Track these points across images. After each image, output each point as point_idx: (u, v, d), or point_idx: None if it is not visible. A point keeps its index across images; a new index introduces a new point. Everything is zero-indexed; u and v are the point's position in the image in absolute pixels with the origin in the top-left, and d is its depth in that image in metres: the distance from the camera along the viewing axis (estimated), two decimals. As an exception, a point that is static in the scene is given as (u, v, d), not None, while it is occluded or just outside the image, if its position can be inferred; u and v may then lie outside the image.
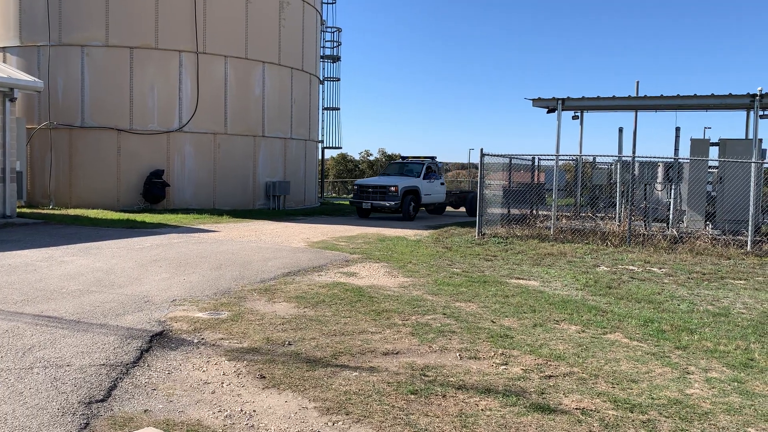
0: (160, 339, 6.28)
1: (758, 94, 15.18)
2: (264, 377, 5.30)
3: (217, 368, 5.50)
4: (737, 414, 4.89)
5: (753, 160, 14.43)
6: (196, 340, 6.28)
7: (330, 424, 4.45)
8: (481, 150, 16.42)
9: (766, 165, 15.27)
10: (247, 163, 24.06)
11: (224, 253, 11.85)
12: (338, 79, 35.94)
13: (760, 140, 15.51)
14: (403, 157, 23.47)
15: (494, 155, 17.16)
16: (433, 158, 23.08)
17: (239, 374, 5.37)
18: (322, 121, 33.12)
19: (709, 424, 4.66)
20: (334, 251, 12.82)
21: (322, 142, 32.99)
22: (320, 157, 33.35)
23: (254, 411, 4.62)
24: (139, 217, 18.74)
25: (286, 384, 5.15)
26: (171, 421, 4.36)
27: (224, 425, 4.36)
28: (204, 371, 5.42)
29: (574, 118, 19.77)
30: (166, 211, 20.90)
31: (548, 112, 19.10)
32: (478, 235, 15.57)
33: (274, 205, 24.43)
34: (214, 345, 6.15)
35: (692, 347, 6.63)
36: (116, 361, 5.55)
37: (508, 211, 17.90)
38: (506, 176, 18.72)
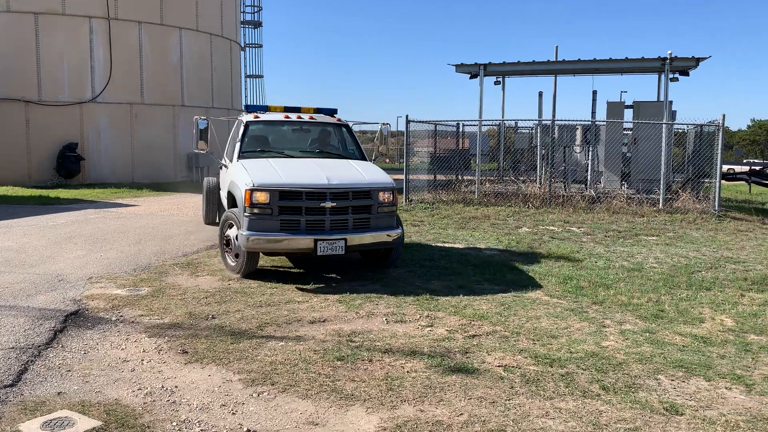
0: (75, 318, 6.02)
1: (668, 57, 15.78)
2: (186, 352, 5.17)
3: (136, 345, 5.33)
4: (648, 362, 5.15)
5: (664, 121, 15.06)
6: (114, 318, 6.06)
7: (255, 395, 4.39)
8: (407, 117, 16.45)
9: (676, 126, 15.98)
10: (167, 134, 23.22)
11: (144, 228, 11.46)
12: (260, 46, 35.06)
13: (671, 102, 16.19)
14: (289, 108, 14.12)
15: (420, 122, 17.23)
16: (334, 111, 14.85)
17: (160, 350, 5.22)
18: (245, 89, 32.35)
19: (623, 374, 4.89)
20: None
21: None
22: (244, 127, 32.61)
23: (176, 387, 4.51)
24: (53, 193, 17.83)
25: (210, 358, 5.05)
26: (87, 403, 4.20)
27: (144, 403, 4.23)
28: (123, 349, 5.24)
29: (497, 83, 20.02)
30: (81, 186, 19.97)
31: (471, 78, 19.26)
32: (405, 201, 15.67)
33: (197, 177, 23.73)
34: (133, 322, 5.95)
35: (608, 302, 6.92)
36: (27, 343, 5.28)
37: (434, 177, 18.07)
38: (432, 143, 18.84)
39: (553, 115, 19.69)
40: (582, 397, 4.46)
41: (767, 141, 48.22)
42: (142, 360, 5.01)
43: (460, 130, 19.76)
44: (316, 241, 7.20)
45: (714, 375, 4.91)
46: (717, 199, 13.81)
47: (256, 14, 33.91)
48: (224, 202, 9.03)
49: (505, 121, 19.20)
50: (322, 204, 7.28)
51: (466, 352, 5.30)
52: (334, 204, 7.33)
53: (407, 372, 4.84)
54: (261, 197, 7.17)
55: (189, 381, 4.62)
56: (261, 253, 7.80)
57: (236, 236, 7.50)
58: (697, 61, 15.88)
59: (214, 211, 11.38)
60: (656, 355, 5.32)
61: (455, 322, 6.13)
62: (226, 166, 9.31)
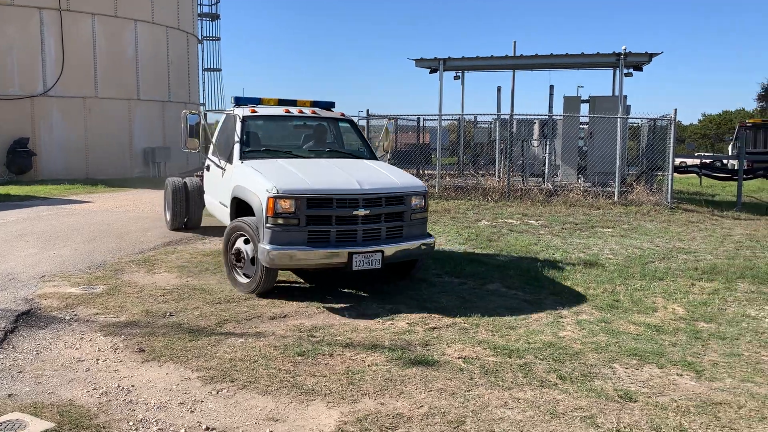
0: (27, 318, 5.85)
1: (623, 53, 16.11)
2: (143, 351, 5.08)
3: (91, 345, 5.21)
4: (604, 351, 5.27)
5: (619, 115, 15.38)
6: (68, 317, 5.91)
7: (214, 392, 4.35)
8: (367, 111, 16.44)
9: (630, 120, 16.33)
10: (122, 128, 22.70)
11: (99, 225, 11.20)
12: (218, 39, 34.47)
13: (625, 97, 16.54)
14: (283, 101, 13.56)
15: (380, 116, 17.23)
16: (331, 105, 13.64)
17: (116, 349, 5.12)
18: (203, 83, 31.79)
19: (579, 363, 5.00)
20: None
21: (204, 105, 31.71)
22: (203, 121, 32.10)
23: (133, 386, 4.43)
24: (3, 189, 17.27)
25: (168, 356, 4.98)
26: (39, 404, 4.09)
27: (100, 403, 4.15)
28: (77, 349, 5.12)
29: (456, 78, 20.13)
30: (33, 183, 19.38)
31: (431, 73, 19.33)
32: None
33: (154, 172, 23.32)
34: (88, 321, 5.82)
35: (565, 293, 7.05)
36: (-24, 345, 5.11)
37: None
38: (393, 137, 18.86)
39: (512, 110, 19.91)
40: (540, 386, 4.54)
41: (717, 135, 49.69)
42: (98, 359, 4.90)
43: (421, 124, 19.84)
44: (350, 254, 6.29)
45: (666, 362, 5.05)
46: (670, 191, 14.18)
47: (213, 6, 33.35)
48: (216, 208, 8.21)
49: (465, 116, 19.36)
50: (354, 212, 6.36)
51: (427, 345, 5.34)
52: (368, 212, 6.43)
53: (368, 366, 4.85)
54: (287, 206, 6.18)
55: (146, 380, 4.54)
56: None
57: (250, 250, 6.58)
58: (650, 56, 16.25)
59: (182, 216, 10.40)
60: (611, 344, 5.45)
61: (416, 315, 6.16)
62: (220, 167, 7.97)
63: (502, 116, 17.72)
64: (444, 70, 18.25)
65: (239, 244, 6.78)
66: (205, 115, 8.14)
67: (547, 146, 16.72)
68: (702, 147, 46.03)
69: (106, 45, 22.10)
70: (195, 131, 7.72)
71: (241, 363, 4.84)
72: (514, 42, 20.84)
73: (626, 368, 4.92)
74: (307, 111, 8.33)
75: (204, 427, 3.86)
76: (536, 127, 17.70)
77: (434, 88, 18.38)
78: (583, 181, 16.12)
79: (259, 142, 7.98)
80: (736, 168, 16.57)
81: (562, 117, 16.77)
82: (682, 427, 3.96)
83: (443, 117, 18.11)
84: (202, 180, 10.16)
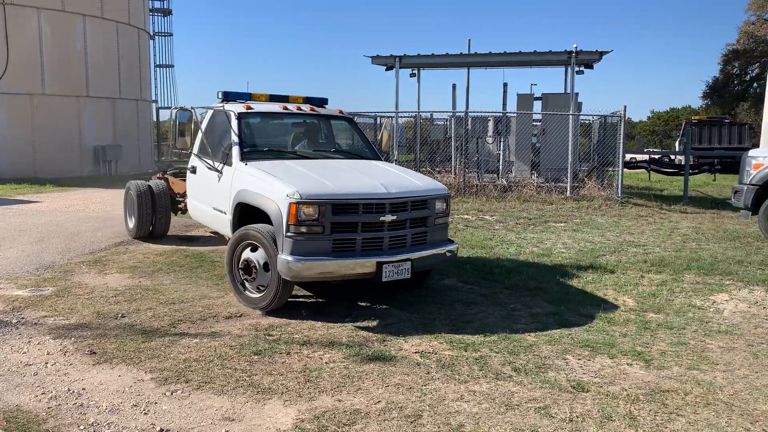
0: (-30, 323, 5.65)
1: (574, 51, 16.44)
2: (95, 353, 4.97)
3: (39, 348, 5.06)
4: (557, 343, 5.38)
5: (570, 112, 15.69)
6: (14, 321, 5.73)
7: (168, 393, 4.28)
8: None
9: (581, 117, 16.68)
10: (71, 126, 22.08)
11: (47, 225, 10.87)
12: (170, 34, 33.92)
13: (577, 94, 16.88)
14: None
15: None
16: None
17: (66, 352, 4.99)
18: (155, 79, 31.23)
19: (533, 355, 5.09)
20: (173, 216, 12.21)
21: (156, 102, 31.11)
22: (155, 119, 31.49)
23: (84, 389, 4.32)
24: (-56, 190, 16.62)
25: (120, 358, 4.87)
26: (-15, 411, 3.96)
27: (49, 408, 4.04)
28: (25, 353, 4.97)
29: (412, 75, 20.20)
30: (-23, 183, 18.71)
31: (387, 70, 19.37)
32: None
33: (105, 171, 22.77)
34: (36, 324, 5.65)
35: (519, 286, 7.17)
36: None
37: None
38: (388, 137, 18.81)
39: (467, 107, 20.12)
40: (495, 379, 4.61)
41: (665, 131, 51.16)
42: (46, 363, 4.77)
43: (377, 122, 19.84)
44: (379, 264, 5.81)
45: (617, 353, 5.19)
46: (620, 186, 14.54)
47: (165, 2, 32.76)
48: (208, 214, 7.49)
49: (421, 113, 19.45)
50: (381, 218, 5.87)
51: (384, 341, 5.36)
52: (395, 217, 5.95)
53: (325, 363, 4.85)
54: (310, 212, 5.63)
55: (97, 382, 4.44)
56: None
57: (263, 261, 5.96)
58: (600, 54, 16.62)
59: (148, 223, 9.43)
60: (564, 336, 5.57)
61: (373, 311, 6.18)
62: (213, 170, 7.11)
63: (457, 114, 17.88)
64: (400, 68, 18.31)
65: (249, 254, 6.09)
66: (195, 111, 7.29)
67: (502, 143, 16.94)
68: (651, 143, 47.33)
69: (53, 40, 21.46)
70: (186, 129, 7.12)
71: (196, 363, 4.78)
72: (469, 40, 21.09)
73: (578, 359, 5.04)
74: (305, 108, 7.73)
75: (158, 428, 3.80)
76: (491, 125, 17.92)
77: (391, 86, 18.43)
78: (537, 177, 16.40)
79: (258, 141, 7.33)
80: (682, 163, 17.10)
81: (515, 114, 17.03)
82: (631, 414, 4.07)
83: (400, 114, 18.17)
84: (167, 182, 9.69)
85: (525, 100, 17.37)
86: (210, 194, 7.36)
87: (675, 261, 8.46)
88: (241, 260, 6.18)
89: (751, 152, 10.74)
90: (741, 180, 10.54)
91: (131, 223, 9.74)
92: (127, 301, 6.37)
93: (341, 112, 8.13)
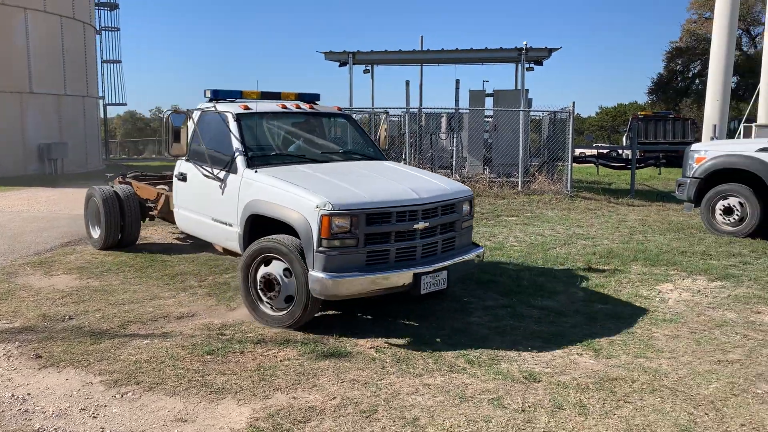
0: None
1: (524, 48, 16.71)
2: (40, 357, 4.82)
3: (-19, 354, 4.89)
4: (509, 335, 5.48)
5: (521, 108, 15.94)
6: (-46, 326, 5.52)
7: (118, 396, 4.19)
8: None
9: (532, 113, 16.96)
10: (13, 123, 21.30)
11: (-11, 226, 10.49)
12: (117, 29, 33.00)
13: (527, 90, 17.16)
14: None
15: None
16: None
17: (10, 356, 4.83)
18: (102, 75, 30.37)
19: (487, 347, 5.17)
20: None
21: (103, 98, 30.29)
22: (103, 116, 30.65)
23: (29, 394, 4.20)
24: None
25: (67, 361, 4.75)
26: (-77, 420, 3.81)
27: (-8, 415, 3.91)
28: (-35, 359, 4.79)
29: (366, 71, 20.21)
30: None
31: (340, 66, 19.31)
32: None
33: (50, 169, 22.06)
34: (-23, 329, 5.45)
35: (471, 280, 7.25)
36: None
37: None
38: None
39: (420, 103, 20.22)
40: (449, 372, 4.67)
41: (613, 127, 52.47)
42: (-11, 369, 4.61)
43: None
44: (417, 276, 5.42)
45: (567, 343, 5.32)
46: (569, 180, 14.86)
47: (111, -5, 31.86)
48: (204, 226, 6.83)
49: (375, 109, 19.46)
50: (415, 225, 5.49)
51: (339, 337, 5.36)
52: (427, 224, 5.59)
53: (280, 361, 4.82)
54: (343, 224, 5.18)
55: (44, 387, 4.32)
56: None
57: (287, 278, 5.47)
58: (549, 51, 16.93)
59: (116, 232, 8.58)
60: (516, 327, 5.67)
61: (329, 308, 6.16)
62: (213, 177, 6.49)
63: (411, 110, 17.96)
64: (353, 64, 18.28)
65: (271, 269, 5.56)
66: (191, 114, 6.77)
67: (455, 139, 17.10)
68: (599, 138, 48.46)
69: (-7, 34, 20.66)
70: (181, 134, 6.46)
71: (147, 365, 4.69)
72: (422, 37, 21.22)
73: (530, 350, 5.14)
74: (304, 106, 7.27)
75: (108, 432, 3.72)
76: (444, 121, 18.06)
77: (344, 82, 18.37)
78: (489, 172, 16.61)
79: (262, 145, 6.79)
80: (629, 158, 17.57)
81: (468, 110, 17.20)
82: (582, 403, 4.18)
83: (354, 110, 18.14)
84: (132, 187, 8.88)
85: (477, 97, 17.56)
86: (208, 204, 6.68)
87: (622, 252, 8.70)
88: (259, 276, 5.63)
89: (694, 146, 11.11)
90: (684, 173, 10.89)
91: (96, 233, 8.79)
92: (75, 303, 6.20)
93: (339, 108, 7.77)
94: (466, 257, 5.98)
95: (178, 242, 9.33)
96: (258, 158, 6.35)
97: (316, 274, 5.17)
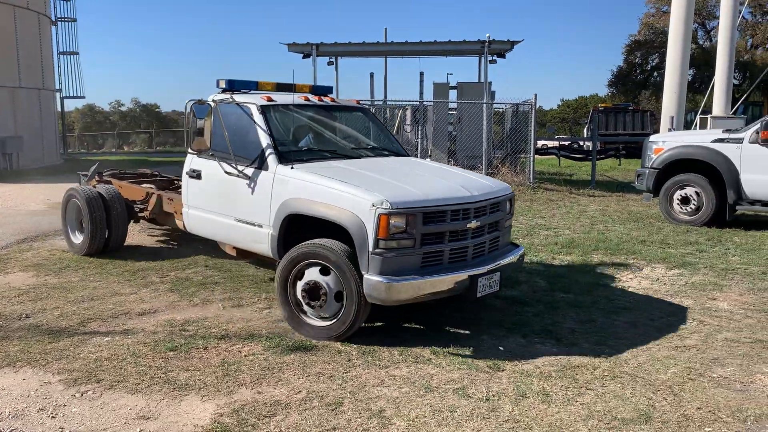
0: None
1: (487, 41, 16.81)
2: (-4, 357, 4.70)
3: (-67, 355, 4.74)
4: (473, 325, 5.54)
5: (484, 101, 16.05)
6: None
7: (78, 395, 4.11)
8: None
9: (495, 106, 17.10)
10: (-36, 117, 20.64)
11: (-60, 224, 10.15)
12: (74, 20, 32.06)
13: (490, 83, 17.29)
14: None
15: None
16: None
17: (-36, 358, 4.69)
18: (59, 67, 29.53)
19: (451, 337, 5.21)
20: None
21: (60, 91, 29.47)
22: (60, 109, 29.86)
23: (-16, 396, 4.08)
24: None
25: (24, 360, 4.63)
26: None
27: (-55, 417, 3.79)
28: None
29: (330, 63, 20.08)
30: None
31: (304, 58, 19.16)
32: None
33: (5, 164, 21.41)
34: (-71, 329, 5.28)
35: (438, 272, 7.29)
36: None
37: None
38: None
39: (385, 96, 20.21)
40: (415, 362, 4.69)
41: (574, 119, 53.26)
42: (-59, 370, 4.47)
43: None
44: (474, 278, 5.13)
45: (529, 332, 5.39)
46: (532, 172, 15.04)
47: (67, -15, 30.98)
48: (225, 228, 6.25)
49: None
50: (468, 224, 5.24)
51: (304, 331, 5.33)
52: (479, 223, 5.35)
53: (245, 356, 4.78)
54: (400, 223, 4.85)
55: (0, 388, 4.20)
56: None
57: (334, 284, 5.08)
58: (512, 44, 17.06)
59: (102, 236, 7.85)
60: (479, 318, 5.73)
61: (293, 302, 6.14)
62: (239, 175, 5.94)
63: (375, 102, 17.93)
64: (317, 56, 18.15)
65: (316, 275, 5.15)
66: (216, 105, 6.21)
67: (419, 131, 17.14)
68: (561, 130, 49.13)
69: (-59, 25, 19.93)
70: (205, 127, 5.97)
71: (107, 362, 4.60)
72: (386, 29, 21.16)
73: (494, 339, 5.20)
74: (326, 99, 6.90)
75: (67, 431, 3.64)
76: (408, 113, 18.08)
77: (308, 74, 18.23)
78: (453, 164, 16.70)
79: (289, 139, 6.39)
80: (590, 149, 17.86)
81: (432, 103, 17.25)
82: (545, 391, 4.25)
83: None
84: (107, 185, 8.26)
85: (441, 89, 17.63)
86: (231, 204, 6.14)
87: (584, 242, 8.85)
88: (302, 283, 5.22)
89: (652, 137, 11.35)
90: (643, 164, 11.12)
91: (77, 238, 8.06)
92: (32, 301, 6.05)
93: (358, 102, 7.51)
94: (512, 257, 5.74)
95: (162, 245, 9.14)
96: (290, 153, 5.89)
97: (372, 278, 4.82)
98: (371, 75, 20.37)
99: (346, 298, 5.03)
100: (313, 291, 5.15)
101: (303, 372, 4.50)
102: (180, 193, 7.08)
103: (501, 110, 17.64)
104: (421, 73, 18.99)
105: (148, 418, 3.82)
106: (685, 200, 10.39)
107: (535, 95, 14.99)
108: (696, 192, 10.28)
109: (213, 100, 6.37)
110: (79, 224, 8.08)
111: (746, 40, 37.40)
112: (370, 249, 4.84)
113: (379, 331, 5.35)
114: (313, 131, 6.73)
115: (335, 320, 5.12)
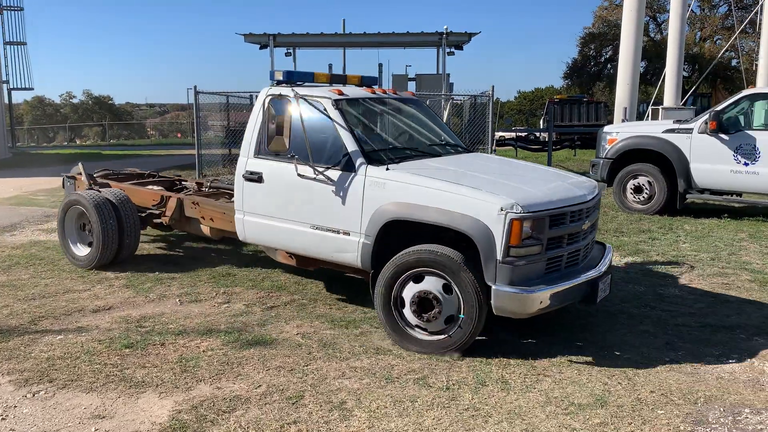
0: None
1: (445, 32, 16.91)
2: (-59, 358, 4.53)
3: None
4: (434, 316, 5.56)
5: (443, 93, 16.15)
6: None
7: (30, 395, 3.99)
8: (195, 88, 15.72)
9: (455, 98, 17.21)
10: None
11: None
12: (21, 9, 31.01)
13: (448, 75, 17.42)
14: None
15: (210, 93, 16.58)
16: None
17: None
18: (6, 58, 28.54)
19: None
20: (31, 207, 11.34)
21: (7, 82, 28.48)
22: (8, 101, 28.89)
23: (-71, 399, 3.93)
24: None
25: (-28, 361, 4.48)
26: None
27: None
28: None
29: (287, 54, 19.93)
30: None
31: (261, 48, 18.96)
32: (199, 176, 15.08)
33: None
34: None
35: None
36: None
37: (230, 152, 17.57)
38: (225, 116, 18.25)
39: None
40: (375, 354, 4.70)
41: (531, 110, 53.98)
42: None
43: (253, 102, 19.37)
44: (595, 282, 4.83)
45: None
46: (491, 163, 15.18)
47: (12, -27, 29.90)
48: (297, 236, 5.53)
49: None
50: (582, 225, 4.93)
51: (264, 324, 5.29)
52: (590, 224, 5.10)
53: (203, 351, 4.72)
54: (530, 228, 4.49)
55: (-54, 390, 4.05)
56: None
57: (452, 296, 4.65)
58: (469, 36, 17.20)
59: (114, 245, 6.88)
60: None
61: (253, 295, 6.08)
62: (325, 178, 5.26)
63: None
64: (274, 46, 18.00)
65: (427, 286, 4.72)
66: (298, 98, 5.45)
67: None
68: (518, 122, 49.73)
69: None
70: (284, 123, 5.32)
71: (60, 361, 4.48)
72: (344, 20, 21.06)
73: (454, 330, 5.23)
74: (389, 92, 6.37)
75: (19, 434, 3.54)
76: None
77: (266, 65, 18.05)
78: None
79: (371, 137, 5.74)
80: (546, 140, 18.14)
81: (391, 94, 17.26)
82: (504, 378, 4.30)
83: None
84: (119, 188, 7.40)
85: (400, 81, 17.67)
86: (306, 210, 5.46)
87: (541, 232, 8.97)
88: (411, 295, 4.78)
89: (606, 128, 11.59)
90: (597, 154, 11.34)
91: (81, 250, 7.11)
92: (-21, 300, 5.85)
93: (413, 94, 6.83)
94: (610, 257, 5.41)
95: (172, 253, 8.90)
96: (376, 153, 5.33)
97: (504, 288, 4.45)
98: (329, 66, 20.31)
99: (463, 311, 4.63)
100: (424, 303, 4.74)
101: (263, 366, 4.46)
102: (205, 196, 6.94)
103: (459, 102, 17.77)
104: (380, 65, 19.11)
105: (104, 417, 3.74)
106: (638, 189, 10.64)
107: (492, 87, 15.10)
108: (648, 181, 10.53)
109: (271, 95, 5.62)
110: (80, 235, 7.21)
111: (695, 33, 38.46)
112: (499, 257, 4.44)
113: (339, 323, 5.33)
114: (388, 127, 6.23)
115: (449, 334, 4.71)
